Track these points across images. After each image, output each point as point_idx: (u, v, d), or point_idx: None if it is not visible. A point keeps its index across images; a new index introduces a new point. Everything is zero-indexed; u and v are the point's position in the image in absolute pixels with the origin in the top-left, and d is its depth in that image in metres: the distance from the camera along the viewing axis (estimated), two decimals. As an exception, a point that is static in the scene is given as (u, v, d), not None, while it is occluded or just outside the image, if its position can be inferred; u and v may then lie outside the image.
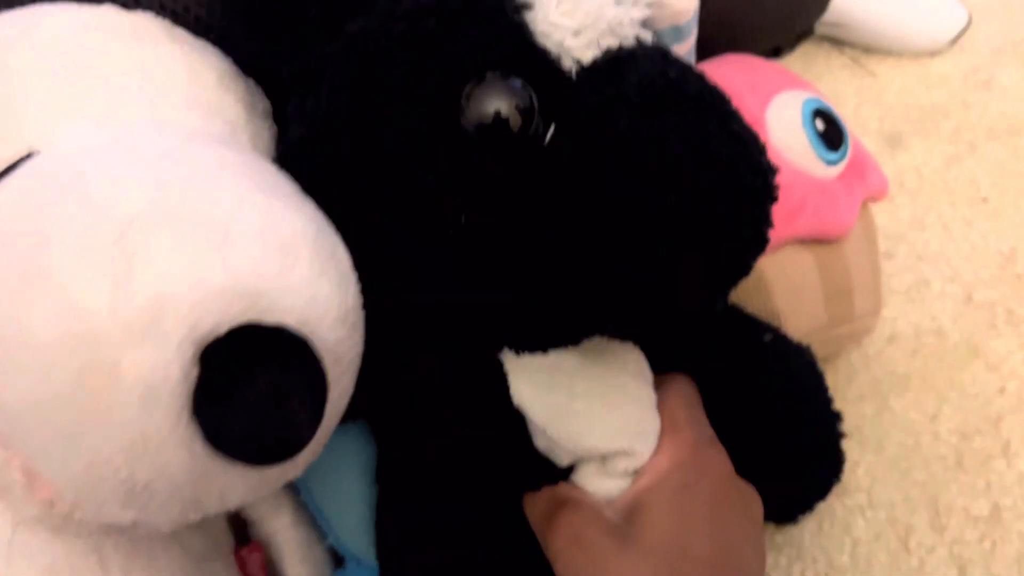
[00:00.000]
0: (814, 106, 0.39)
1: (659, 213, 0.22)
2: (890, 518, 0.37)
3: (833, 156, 0.38)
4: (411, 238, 0.24)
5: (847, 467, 0.33)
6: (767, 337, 0.34)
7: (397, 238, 0.24)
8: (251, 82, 0.30)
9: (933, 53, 0.59)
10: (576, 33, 0.24)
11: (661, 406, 0.29)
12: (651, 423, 0.29)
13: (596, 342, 0.28)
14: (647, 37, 0.26)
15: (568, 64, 0.24)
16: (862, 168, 0.41)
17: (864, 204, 0.41)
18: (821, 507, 0.38)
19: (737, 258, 0.24)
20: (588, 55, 0.24)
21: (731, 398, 0.31)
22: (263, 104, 0.30)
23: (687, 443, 0.28)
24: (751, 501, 0.29)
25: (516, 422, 0.28)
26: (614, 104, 0.23)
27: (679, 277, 0.23)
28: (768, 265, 0.37)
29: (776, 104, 0.39)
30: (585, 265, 0.23)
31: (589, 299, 0.24)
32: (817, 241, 0.38)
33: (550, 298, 0.24)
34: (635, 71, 0.23)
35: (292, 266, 0.21)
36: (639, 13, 0.26)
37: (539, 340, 0.27)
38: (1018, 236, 0.47)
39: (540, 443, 0.28)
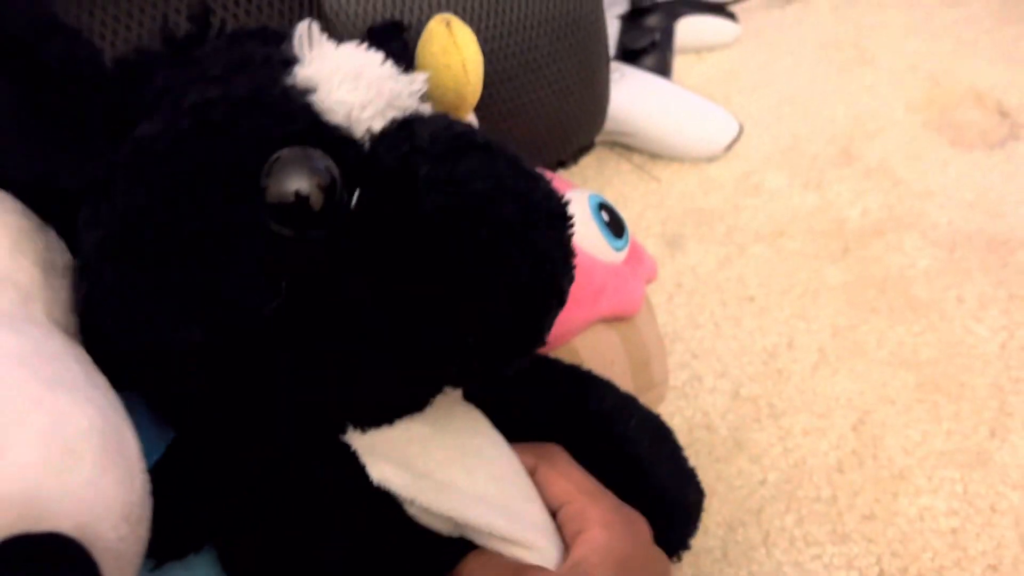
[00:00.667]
0: (598, 200, 0.43)
1: (473, 247, 0.24)
2: (661, 615, 0.39)
3: (619, 243, 0.42)
4: (229, 325, 0.24)
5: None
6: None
7: (215, 327, 0.24)
8: (51, 235, 0.29)
9: (711, 159, 0.64)
10: (362, 107, 0.26)
11: (558, 477, 0.29)
12: (519, 481, 0.29)
13: (442, 409, 0.29)
14: (427, 108, 0.29)
15: (360, 135, 0.25)
16: (639, 253, 0.45)
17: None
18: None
19: (550, 282, 0.26)
20: (377, 125, 0.26)
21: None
22: (63, 259, 0.28)
23: (611, 510, 0.28)
24: (666, 563, 0.29)
25: (382, 500, 0.28)
26: (412, 157, 0.24)
27: (500, 305, 0.25)
28: (582, 345, 0.40)
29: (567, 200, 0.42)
30: (415, 311, 0.24)
31: (425, 348, 0.24)
32: (618, 319, 0.41)
33: (388, 361, 0.25)
34: (426, 128, 0.26)
35: (73, 468, 0.21)
36: (416, 86, 0.28)
37: (384, 411, 0.27)
38: (780, 333, 0.51)
39: (412, 512, 0.28)
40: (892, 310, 0.51)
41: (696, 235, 0.58)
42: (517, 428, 0.34)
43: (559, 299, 0.27)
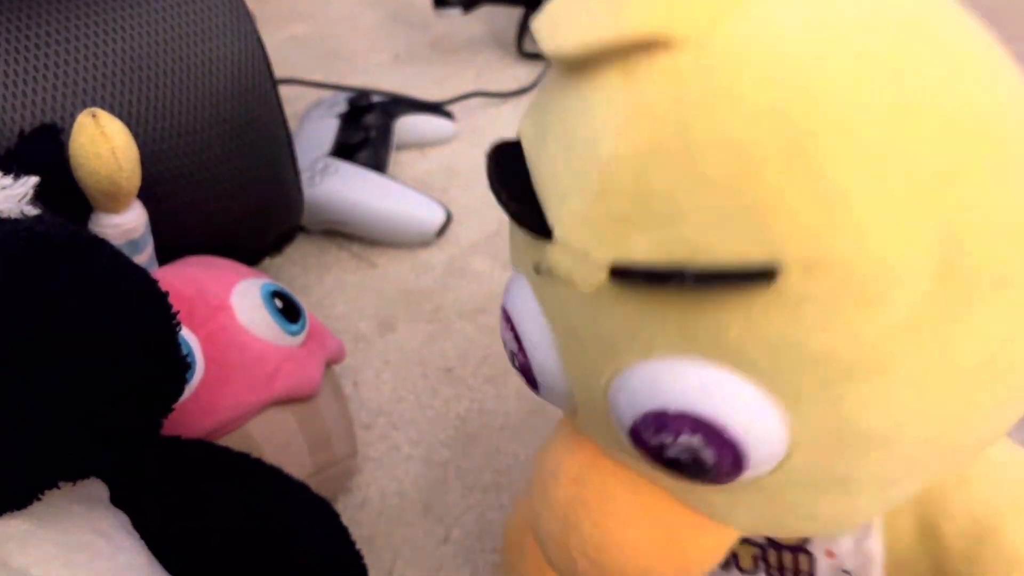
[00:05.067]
0: (271, 288, 0.45)
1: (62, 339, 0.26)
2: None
3: (294, 328, 0.45)
4: None
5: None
6: None
7: None
8: None
9: (424, 245, 0.69)
10: None
11: None
12: None
13: (54, 506, 0.29)
14: (32, 210, 0.31)
15: None
16: (321, 337, 0.48)
17: (328, 366, 0.48)
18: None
19: (129, 365, 0.29)
20: None
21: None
22: None
23: None
24: None
25: None
26: None
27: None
28: (256, 429, 0.42)
29: (238, 291, 0.44)
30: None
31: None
32: (293, 400, 0.44)
33: None
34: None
35: None
36: (17, 190, 0.30)
37: None
38: (472, 399, 0.56)
39: None
40: (572, 373, 0.58)
41: (406, 315, 0.63)
42: (181, 525, 0.35)
43: (152, 383, 0.29)
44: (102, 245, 0.31)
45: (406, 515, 0.49)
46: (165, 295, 0.32)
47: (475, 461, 0.52)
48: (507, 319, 0.25)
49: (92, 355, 0.28)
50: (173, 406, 0.34)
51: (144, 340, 0.30)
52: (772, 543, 0.31)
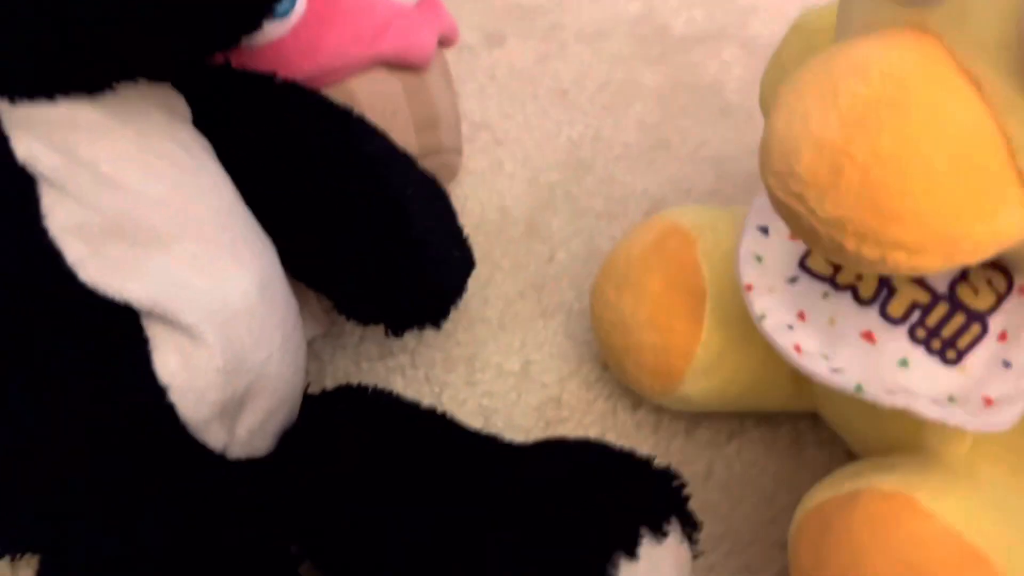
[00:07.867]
0: None
1: None
2: (428, 376, 0.38)
3: None
4: None
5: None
6: None
7: None
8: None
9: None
10: None
11: None
12: (222, 207, 0.27)
13: (132, 104, 0.26)
14: None
15: None
16: (436, 6, 0.42)
17: (440, 51, 0.42)
18: (364, 367, 0.38)
19: None
20: None
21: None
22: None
23: None
24: None
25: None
26: None
27: None
28: (359, 87, 0.37)
29: None
30: None
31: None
32: (403, 67, 0.39)
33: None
34: None
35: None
36: None
37: (40, 81, 0.24)
38: (587, 125, 0.50)
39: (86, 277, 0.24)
40: (701, 112, 0.51)
41: (517, 32, 0.56)
42: (268, 165, 0.31)
43: None
44: None
45: (508, 231, 0.44)
46: None
47: (586, 187, 0.46)
48: None
49: None
50: (261, 19, 0.28)
51: None
52: (952, 298, 0.26)
